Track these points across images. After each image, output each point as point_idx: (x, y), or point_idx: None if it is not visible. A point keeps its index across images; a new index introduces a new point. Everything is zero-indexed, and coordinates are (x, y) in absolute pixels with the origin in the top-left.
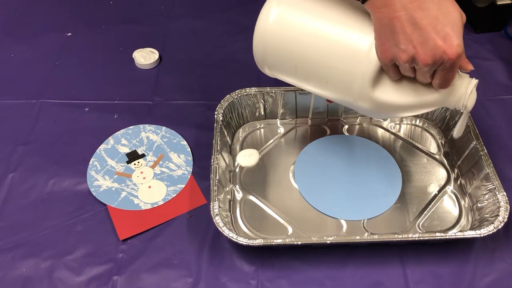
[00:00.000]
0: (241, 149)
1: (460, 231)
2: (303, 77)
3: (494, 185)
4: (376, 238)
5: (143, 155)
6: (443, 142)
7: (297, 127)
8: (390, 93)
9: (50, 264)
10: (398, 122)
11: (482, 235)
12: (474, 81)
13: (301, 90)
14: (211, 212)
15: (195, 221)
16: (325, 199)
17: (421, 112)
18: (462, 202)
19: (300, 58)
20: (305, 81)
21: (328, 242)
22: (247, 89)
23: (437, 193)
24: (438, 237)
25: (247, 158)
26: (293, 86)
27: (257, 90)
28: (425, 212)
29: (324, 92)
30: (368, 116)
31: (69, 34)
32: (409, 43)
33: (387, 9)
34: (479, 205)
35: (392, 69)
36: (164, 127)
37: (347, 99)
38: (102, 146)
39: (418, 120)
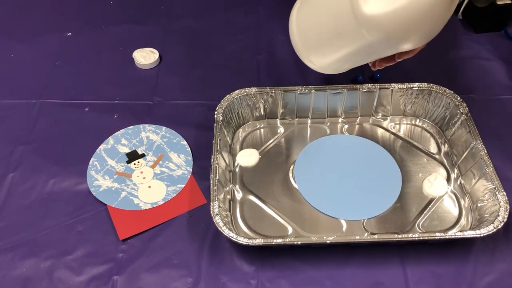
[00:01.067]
0: (241, 149)
1: (460, 231)
2: (328, 42)
3: (494, 185)
4: (376, 238)
5: (143, 155)
6: (443, 142)
7: (297, 127)
8: (386, 3)
9: (50, 264)
10: (398, 122)
11: (482, 235)
12: None
13: (301, 90)
14: (211, 212)
15: (195, 221)
16: (325, 199)
17: (442, 19)
18: (462, 202)
19: (318, 26)
20: (331, 46)
21: (328, 242)
22: (247, 89)
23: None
24: (438, 237)
25: (247, 158)
26: (293, 86)
27: (257, 90)
28: (425, 212)
29: (348, 45)
30: (402, 49)
31: (69, 34)
32: None
33: None
34: (479, 205)
35: None
36: (164, 127)
37: (362, 39)
38: (102, 146)
39: (418, 120)
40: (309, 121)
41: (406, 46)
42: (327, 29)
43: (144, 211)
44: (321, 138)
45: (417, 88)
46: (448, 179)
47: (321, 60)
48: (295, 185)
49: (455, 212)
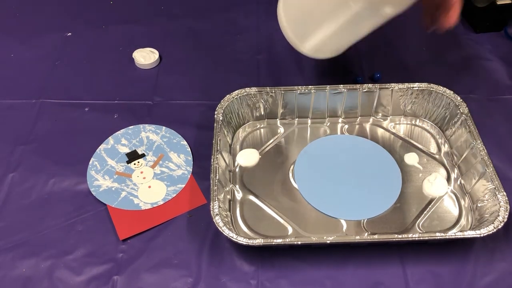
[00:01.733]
0: (241, 149)
1: (460, 231)
2: (321, 17)
3: (494, 185)
4: (376, 238)
5: (143, 155)
6: (443, 142)
7: (297, 127)
8: None
9: (50, 264)
10: (398, 122)
11: (482, 235)
12: None
13: (301, 90)
14: (211, 212)
15: (195, 221)
16: (325, 199)
17: None
18: (462, 202)
19: (305, 5)
20: (320, 24)
21: (328, 242)
22: (247, 89)
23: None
24: (438, 237)
25: (247, 158)
26: (293, 86)
27: (257, 90)
28: (425, 212)
29: (336, 18)
30: (387, 14)
31: (69, 34)
32: None
33: None
34: (479, 205)
35: None
36: (164, 127)
37: (349, 9)
38: (102, 146)
39: (418, 120)
40: (309, 121)
41: (389, 11)
42: (313, 6)
43: (144, 211)
44: (321, 138)
45: (417, 88)
46: (448, 179)
47: (313, 42)
48: (295, 185)
49: (455, 212)
